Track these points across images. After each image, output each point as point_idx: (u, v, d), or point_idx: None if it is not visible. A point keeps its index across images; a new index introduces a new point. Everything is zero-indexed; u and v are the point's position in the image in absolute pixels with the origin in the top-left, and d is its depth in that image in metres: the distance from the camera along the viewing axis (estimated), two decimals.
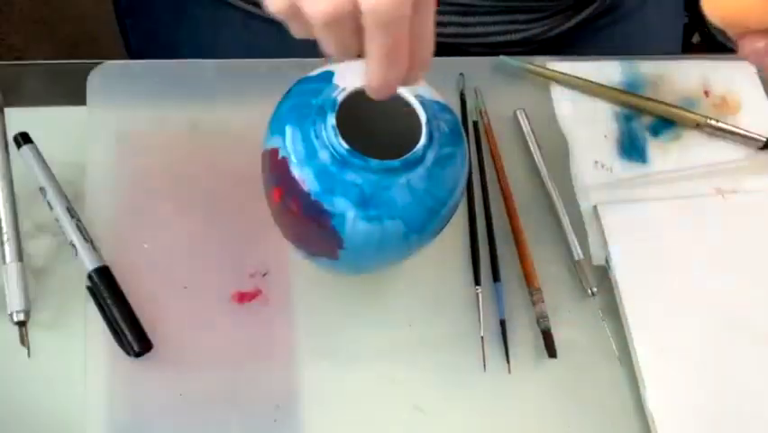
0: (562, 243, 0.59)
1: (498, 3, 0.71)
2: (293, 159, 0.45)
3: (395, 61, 0.38)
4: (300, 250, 0.51)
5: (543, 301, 0.56)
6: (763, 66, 0.44)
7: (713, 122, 0.64)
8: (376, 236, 0.46)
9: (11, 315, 0.50)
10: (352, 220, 0.45)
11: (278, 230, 0.51)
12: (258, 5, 0.73)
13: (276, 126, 0.47)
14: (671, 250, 0.59)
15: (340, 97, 0.46)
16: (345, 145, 0.45)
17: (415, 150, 0.45)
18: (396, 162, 0.45)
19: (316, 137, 0.45)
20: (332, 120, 0.45)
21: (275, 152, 0.46)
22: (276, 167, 0.46)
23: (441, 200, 0.47)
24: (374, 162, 0.45)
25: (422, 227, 0.47)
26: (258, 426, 0.51)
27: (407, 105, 0.46)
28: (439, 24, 0.71)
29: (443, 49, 0.74)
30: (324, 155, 0.45)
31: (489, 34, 0.73)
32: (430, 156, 0.46)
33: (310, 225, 0.46)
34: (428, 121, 0.46)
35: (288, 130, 0.46)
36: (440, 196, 0.47)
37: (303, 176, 0.45)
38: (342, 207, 0.45)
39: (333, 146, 0.45)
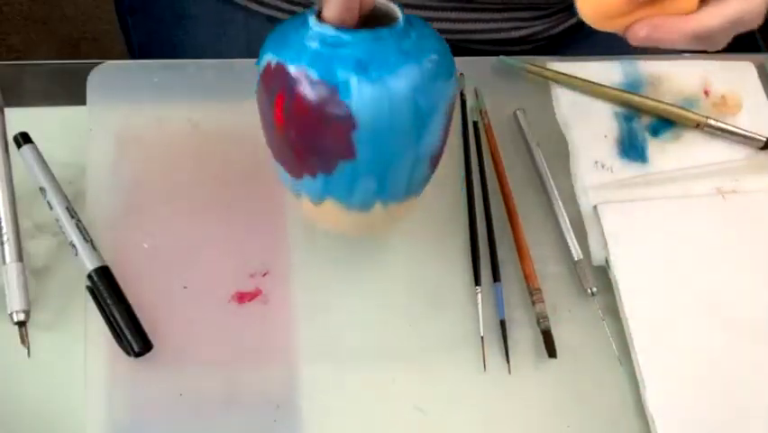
0: (562, 243, 0.59)
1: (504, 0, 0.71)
2: (287, 61, 0.46)
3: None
4: (315, 167, 0.49)
5: (543, 301, 0.56)
6: (656, 44, 0.48)
7: (713, 122, 0.64)
8: (385, 100, 0.46)
9: (11, 315, 0.50)
10: (356, 85, 0.45)
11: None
12: (259, 3, 0.73)
13: (261, 55, 0.49)
14: (671, 250, 0.59)
15: (318, 5, 0.47)
16: (332, 27, 0.46)
17: (397, 21, 0.47)
18: (383, 30, 0.46)
19: (303, 37, 0.46)
20: (313, 16, 0.46)
21: (267, 67, 0.47)
22: (272, 77, 0.47)
23: (436, 63, 0.47)
24: (363, 33, 0.46)
25: (425, 87, 0.47)
26: (258, 426, 0.51)
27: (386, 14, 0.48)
28: (445, 21, 0.72)
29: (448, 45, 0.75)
30: (314, 44, 0.46)
31: (494, 31, 0.74)
32: (413, 34, 0.47)
33: (318, 112, 0.46)
34: (403, 13, 0.47)
35: (274, 46, 0.48)
36: (433, 58, 0.47)
37: (300, 69, 0.46)
38: (344, 76, 0.45)
39: (320, 33, 0.46)
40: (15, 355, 0.50)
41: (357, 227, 0.54)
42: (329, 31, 0.46)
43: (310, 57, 0.46)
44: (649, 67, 0.67)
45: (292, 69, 0.46)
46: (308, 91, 0.45)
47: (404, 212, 0.53)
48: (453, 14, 0.72)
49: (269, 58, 0.47)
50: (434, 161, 0.51)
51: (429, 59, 0.47)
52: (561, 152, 0.63)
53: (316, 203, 0.50)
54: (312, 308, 0.55)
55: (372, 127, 0.46)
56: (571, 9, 0.76)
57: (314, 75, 0.45)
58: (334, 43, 0.46)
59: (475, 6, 0.72)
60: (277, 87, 0.47)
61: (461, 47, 0.75)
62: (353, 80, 0.45)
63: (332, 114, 0.45)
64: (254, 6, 0.73)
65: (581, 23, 0.76)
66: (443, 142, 0.51)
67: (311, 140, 0.47)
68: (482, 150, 0.62)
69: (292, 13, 0.72)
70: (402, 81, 0.46)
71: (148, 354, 0.51)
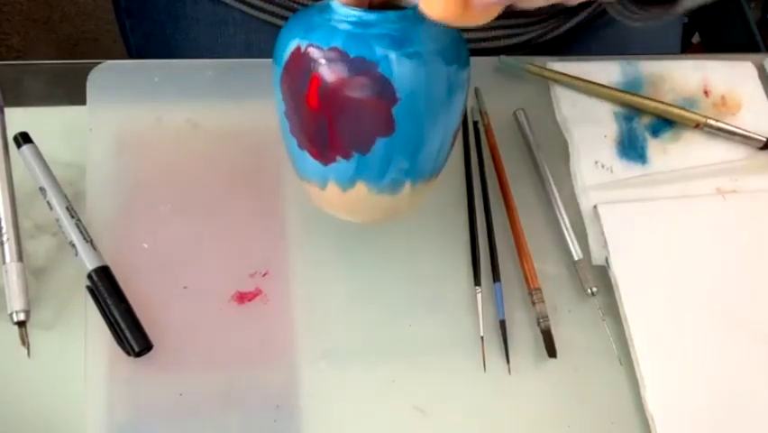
0: (562, 243, 0.59)
1: None
2: (320, 43, 0.47)
3: None
4: (350, 147, 0.49)
5: (543, 301, 0.56)
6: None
7: (713, 122, 0.64)
8: (422, 74, 0.47)
9: (11, 315, 0.50)
10: (395, 60, 0.46)
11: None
12: (256, 8, 0.73)
13: (286, 43, 0.48)
14: (671, 250, 0.59)
15: None
16: (356, 9, 0.47)
17: (414, 3, 0.47)
18: (409, 10, 0.47)
19: (329, 20, 0.47)
20: (336, 2, 0.47)
21: (296, 51, 0.47)
22: (304, 60, 0.47)
23: (455, 40, 0.49)
24: (389, 13, 0.47)
25: (453, 63, 0.48)
26: (258, 426, 0.51)
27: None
28: None
29: None
30: (344, 26, 0.47)
31: (491, 39, 0.73)
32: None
33: (358, 89, 0.46)
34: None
35: (300, 31, 0.48)
36: (453, 36, 0.49)
37: (335, 48, 0.46)
38: (382, 51, 0.46)
39: (347, 15, 0.47)
40: (15, 355, 0.50)
41: (382, 212, 0.53)
42: (354, 12, 0.47)
43: (344, 37, 0.46)
44: (649, 67, 0.67)
45: (326, 50, 0.46)
46: (347, 69, 0.46)
47: (425, 194, 0.53)
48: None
49: (296, 43, 0.48)
50: (454, 139, 0.52)
51: (450, 36, 0.48)
52: (561, 152, 0.63)
53: (345, 188, 0.50)
54: (312, 309, 0.55)
55: (412, 101, 0.47)
56: (565, 13, 0.76)
57: (351, 53, 0.46)
58: (363, 23, 0.47)
59: None
60: (310, 69, 0.47)
61: None
62: (392, 55, 0.46)
63: (373, 89, 0.46)
64: (252, 12, 0.73)
65: (578, 27, 0.75)
66: (461, 119, 0.52)
67: (349, 118, 0.48)
68: (482, 150, 0.62)
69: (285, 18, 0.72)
70: (435, 56, 0.47)
71: (148, 354, 0.51)
